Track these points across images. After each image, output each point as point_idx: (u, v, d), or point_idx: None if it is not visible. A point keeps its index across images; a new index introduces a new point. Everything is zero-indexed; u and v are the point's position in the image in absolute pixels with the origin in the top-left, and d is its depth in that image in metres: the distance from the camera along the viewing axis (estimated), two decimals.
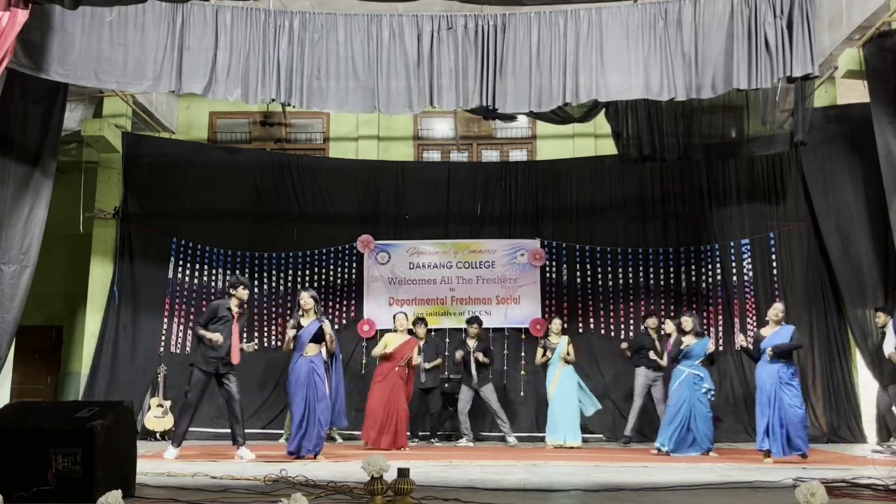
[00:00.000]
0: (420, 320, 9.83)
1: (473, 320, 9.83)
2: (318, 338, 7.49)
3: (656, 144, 9.47)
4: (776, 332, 7.61)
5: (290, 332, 7.58)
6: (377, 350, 9.01)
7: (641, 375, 9.58)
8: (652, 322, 9.83)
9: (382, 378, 8.77)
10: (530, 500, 4.71)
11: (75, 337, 11.72)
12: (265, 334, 10.84)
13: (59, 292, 11.77)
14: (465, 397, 9.56)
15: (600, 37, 7.61)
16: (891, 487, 4.83)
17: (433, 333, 10.36)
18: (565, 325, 9.90)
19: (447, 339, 10.58)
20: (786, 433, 7.30)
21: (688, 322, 8.54)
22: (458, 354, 9.64)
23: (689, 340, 8.45)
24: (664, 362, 9.30)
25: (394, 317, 9.34)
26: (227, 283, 7.79)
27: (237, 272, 10.85)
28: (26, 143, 8.10)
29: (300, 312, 7.61)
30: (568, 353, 9.43)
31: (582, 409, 9.36)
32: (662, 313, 10.61)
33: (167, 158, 11.12)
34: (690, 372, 8.32)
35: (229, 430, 7.70)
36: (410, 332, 9.37)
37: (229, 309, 7.62)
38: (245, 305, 7.85)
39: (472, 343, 9.62)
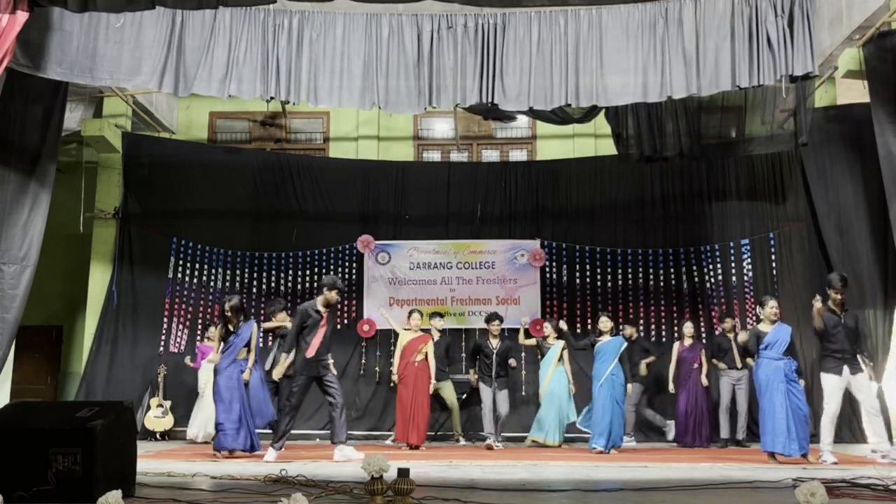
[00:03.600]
0: (435, 315, 9.80)
1: (494, 317, 9.31)
2: (248, 342, 7.75)
3: (656, 145, 9.47)
4: (779, 329, 7.59)
5: (215, 346, 7.89)
6: (396, 352, 9.28)
7: (726, 377, 9.55)
8: (728, 324, 9.75)
9: (403, 376, 9.02)
10: (530, 500, 4.71)
11: (75, 337, 11.73)
12: (260, 334, 10.81)
13: (59, 292, 11.77)
14: (487, 399, 9.08)
15: (600, 37, 7.60)
16: (891, 487, 4.83)
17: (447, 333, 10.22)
18: (560, 328, 9.73)
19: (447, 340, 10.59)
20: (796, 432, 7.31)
21: (605, 322, 8.79)
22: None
23: (605, 340, 8.71)
24: (739, 364, 9.47)
25: (409, 315, 9.39)
26: (321, 283, 7.86)
27: (236, 272, 10.91)
28: (26, 144, 8.09)
29: (224, 321, 7.82)
30: (561, 359, 9.41)
31: (567, 413, 9.41)
32: (663, 314, 10.62)
33: (167, 158, 11.12)
34: (609, 373, 8.51)
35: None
36: (426, 330, 9.43)
37: (317, 311, 7.61)
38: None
39: (494, 342, 9.19)
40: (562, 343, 9.49)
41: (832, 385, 7.36)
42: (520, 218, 11.13)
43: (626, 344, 8.84)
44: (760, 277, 10.52)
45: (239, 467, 6.38)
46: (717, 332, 10.13)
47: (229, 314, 7.74)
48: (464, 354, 10.34)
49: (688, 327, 9.75)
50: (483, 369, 9.24)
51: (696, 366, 9.50)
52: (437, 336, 9.48)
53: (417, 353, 8.99)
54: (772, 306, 7.66)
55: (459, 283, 10.95)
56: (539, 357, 9.74)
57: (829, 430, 7.38)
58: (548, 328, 9.67)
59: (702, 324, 10.53)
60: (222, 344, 7.74)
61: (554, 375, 9.34)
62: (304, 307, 7.71)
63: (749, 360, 9.59)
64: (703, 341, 10.20)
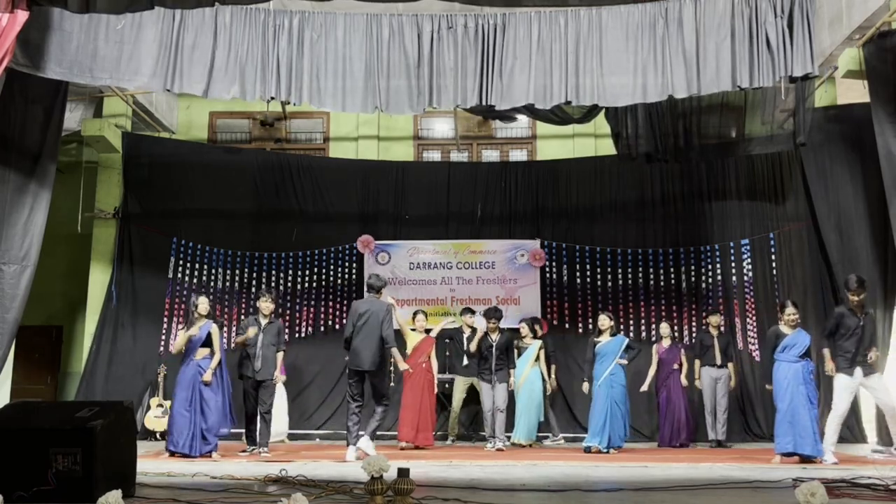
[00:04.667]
0: (467, 311, 9.84)
1: (493, 312, 9.05)
2: (208, 342, 7.74)
3: (656, 145, 9.47)
4: (800, 334, 7.59)
5: (182, 337, 7.84)
6: (407, 349, 9.13)
7: (707, 376, 9.45)
8: (714, 319, 9.64)
9: (409, 377, 8.92)
10: (530, 500, 4.71)
11: (75, 337, 11.72)
12: None
13: (59, 292, 11.76)
14: (487, 400, 8.92)
15: (600, 37, 7.60)
16: (891, 487, 4.83)
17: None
18: (537, 328, 9.72)
19: (447, 339, 10.55)
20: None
21: (605, 321, 8.71)
22: (473, 345, 9.07)
23: (604, 339, 8.65)
24: (718, 361, 9.38)
25: (413, 316, 9.39)
26: (378, 283, 7.98)
27: (236, 272, 10.92)
28: (26, 143, 8.09)
29: (195, 316, 7.83)
30: (537, 359, 9.35)
31: (540, 414, 9.41)
32: (663, 314, 10.60)
33: (167, 158, 11.11)
34: (608, 373, 8.46)
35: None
36: (427, 330, 9.44)
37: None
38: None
39: (494, 336, 9.00)
40: (538, 343, 9.45)
41: (843, 385, 7.33)
42: (520, 218, 11.13)
43: (626, 342, 8.80)
44: (760, 277, 10.52)
45: (239, 467, 6.38)
46: (703, 328, 9.99)
47: (195, 313, 7.80)
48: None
49: (664, 328, 9.74)
50: (482, 364, 9.05)
51: (675, 366, 9.49)
52: (468, 332, 9.49)
53: (423, 356, 9.02)
54: (789, 313, 7.63)
55: (459, 283, 10.95)
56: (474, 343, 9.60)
57: (835, 429, 7.35)
58: (524, 328, 9.58)
59: (698, 325, 10.52)
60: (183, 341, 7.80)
61: (529, 375, 9.29)
62: (391, 303, 7.99)
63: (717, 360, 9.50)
64: (684, 341, 10.26)
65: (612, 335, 8.74)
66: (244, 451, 8.02)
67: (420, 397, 8.85)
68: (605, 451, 8.26)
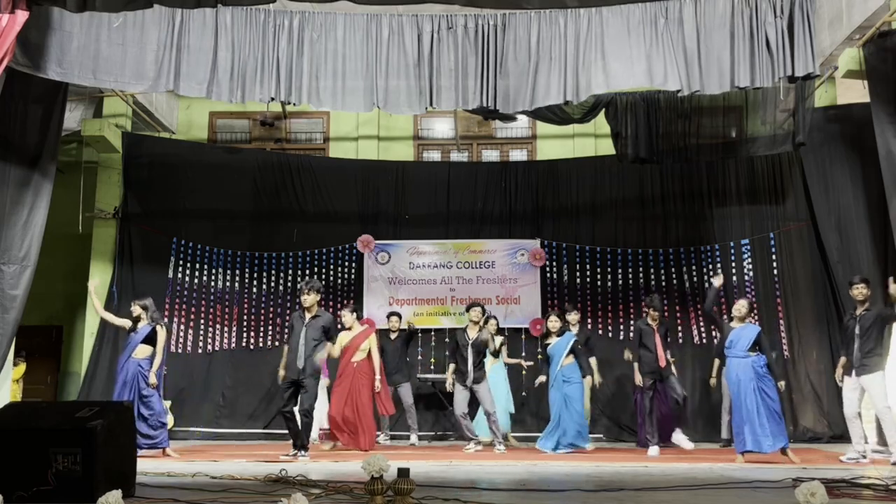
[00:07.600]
0: (394, 314, 9.78)
1: (473, 305, 8.64)
2: (150, 341, 7.68)
3: (655, 145, 9.47)
4: (745, 328, 7.56)
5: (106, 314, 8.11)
6: (335, 352, 8.28)
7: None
8: None
9: (339, 376, 8.56)
10: (530, 500, 4.71)
11: (75, 337, 11.72)
12: (261, 334, 10.83)
13: (59, 292, 11.77)
14: (460, 401, 8.39)
15: (601, 34, 7.63)
16: (891, 487, 4.83)
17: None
18: (496, 322, 9.49)
19: (447, 339, 10.54)
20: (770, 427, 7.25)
21: (554, 322, 8.58)
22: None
23: (553, 340, 8.54)
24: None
25: (341, 314, 9.04)
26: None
27: (236, 272, 10.93)
28: (26, 144, 8.09)
29: (135, 316, 7.83)
30: (498, 354, 9.19)
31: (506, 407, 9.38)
32: (666, 314, 10.56)
33: (167, 158, 11.12)
34: (559, 372, 8.37)
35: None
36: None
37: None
38: None
39: (472, 333, 8.50)
40: (501, 339, 9.26)
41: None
42: (520, 218, 11.14)
43: (574, 339, 8.59)
44: (760, 277, 10.52)
45: (239, 467, 6.38)
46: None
47: (139, 311, 7.78)
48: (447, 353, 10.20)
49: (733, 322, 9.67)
50: (459, 363, 8.45)
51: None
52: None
53: (358, 352, 8.53)
54: (742, 305, 7.64)
55: (459, 283, 10.95)
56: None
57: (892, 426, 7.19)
58: (493, 323, 9.23)
59: (701, 324, 10.53)
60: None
61: (490, 372, 9.08)
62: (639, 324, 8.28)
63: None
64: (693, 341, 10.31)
65: (560, 336, 8.58)
66: (286, 454, 7.41)
67: (345, 399, 8.33)
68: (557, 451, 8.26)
